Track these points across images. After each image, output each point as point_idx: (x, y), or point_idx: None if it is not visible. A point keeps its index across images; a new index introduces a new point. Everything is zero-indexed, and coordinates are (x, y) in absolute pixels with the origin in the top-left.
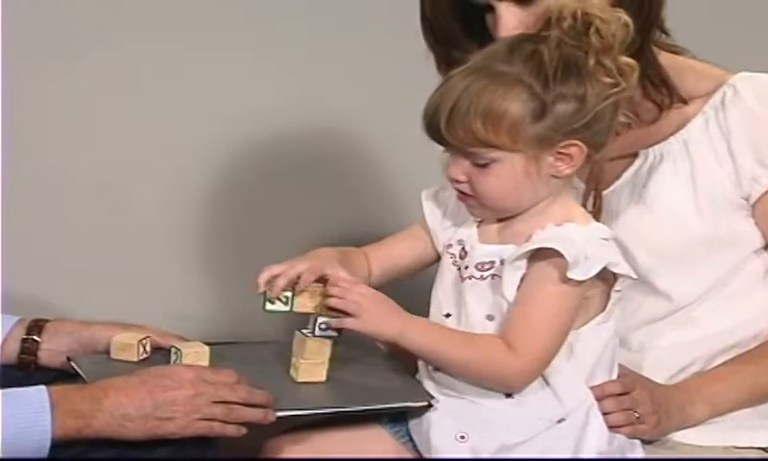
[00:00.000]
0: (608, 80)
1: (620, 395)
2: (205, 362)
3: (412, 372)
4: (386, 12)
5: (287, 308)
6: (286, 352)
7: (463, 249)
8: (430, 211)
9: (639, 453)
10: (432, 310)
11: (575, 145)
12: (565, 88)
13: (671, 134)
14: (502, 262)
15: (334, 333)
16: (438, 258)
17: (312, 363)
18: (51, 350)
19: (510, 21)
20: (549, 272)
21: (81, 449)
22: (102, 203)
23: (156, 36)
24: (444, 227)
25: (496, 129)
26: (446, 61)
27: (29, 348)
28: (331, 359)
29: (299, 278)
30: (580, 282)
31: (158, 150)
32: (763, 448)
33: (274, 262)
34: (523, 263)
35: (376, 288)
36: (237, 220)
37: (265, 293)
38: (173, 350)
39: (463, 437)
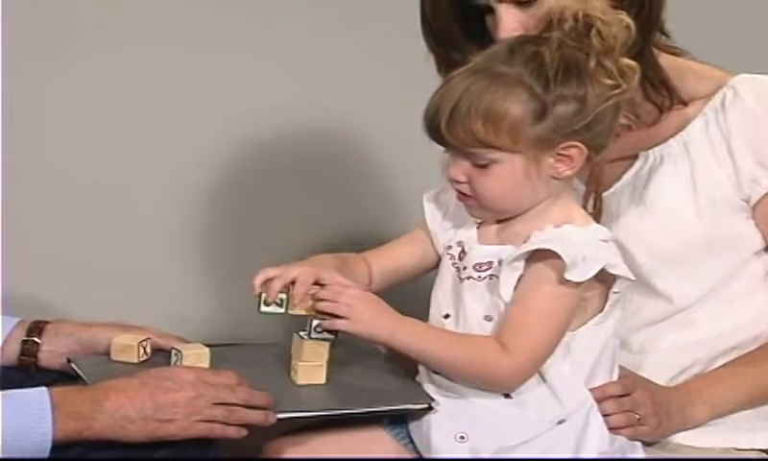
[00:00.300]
0: (608, 81)
1: (621, 396)
2: (206, 364)
3: (412, 374)
4: (386, 12)
5: (282, 310)
6: (286, 354)
7: (462, 250)
8: (431, 213)
9: (640, 455)
10: (432, 312)
11: (575, 146)
12: (566, 90)
13: (671, 136)
14: (500, 263)
15: (330, 335)
16: (439, 261)
17: (310, 365)
18: (51, 351)
19: (510, 23)
20: (546, 273)
21: (81, 451)
22: (102, 203)
23: (157, 36)
24: (444, 228)
25: (497, 129)
26: (447, 63)
27: (29, 349)
28: (331, 361)
29: (293, 281)
30: (577, 284)
31: (158, 150)
32: (764, 450)
33: (273, 264)
34: (521, 264)
35: (380, 293)
36: (237, 220)
37: (260, 295)
38: (173, 351)
39: (463, 438)
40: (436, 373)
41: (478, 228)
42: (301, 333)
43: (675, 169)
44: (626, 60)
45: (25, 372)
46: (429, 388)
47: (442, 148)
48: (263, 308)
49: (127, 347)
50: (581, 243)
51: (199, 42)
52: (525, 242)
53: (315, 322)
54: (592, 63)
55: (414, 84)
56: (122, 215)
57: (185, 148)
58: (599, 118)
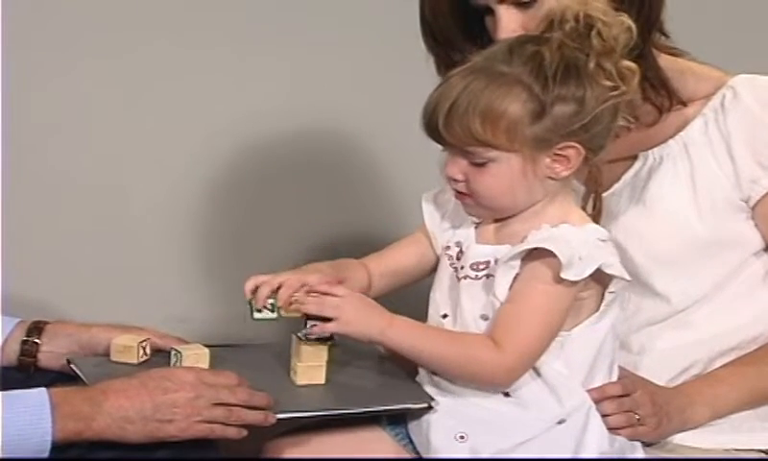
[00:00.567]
0: (608, 83)
1: (621, 396)
2: (205, 364)
3: (412, 374)
4: (386, 13)
5: (274, 315)
6: (286, 355)
7: (460, 250)
8: (429, 214)
9: (640, 455)
10: (430, 312)
11: (572, 147)
12: (565, 90)
13: (671, 137)
14: (497, 262)
15: (324, 336)
16: (439, 262)
17: (309, 366)
18: (51, 352)
19: (509, 24)
20: (542, 271)
21: (81, 451)
22: (102, 203)
23: (156, 37)
24: (442, 229)
25: (495, 128)
26: (446, 64)
27: (29, 350)
28: (331, 362)
29: (280, 286)
30: (573, 283)
31: (158, 150)
32: (763, 451)
33: (273, 264)
34: (517, 263)
35: (381, 297)
36: (237, 221)
37: (250, 302)
38: (173, 352)
39: (462, 437)
40: (435, 373)
41: (476, 228)
42: (299, 334)
43: (674, 170)
44: (626, 63)
45: (25, 372)
46: (429, 388)
47: (440, 149)
48: (256, 315)
49: (126, 347)
50: (577, 242)
51: (199, 43)
52: (522, 241)
53: (308, 323)
54: (592, 64)
55: (413, 85)
56: (122, 215)
57: (185, 148)
58: (597, 119)
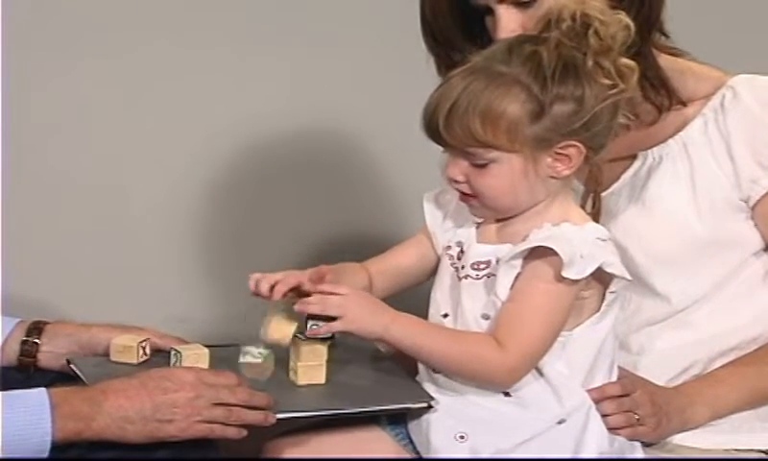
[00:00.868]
0: (606, 81)
1: (620, 397)
2: (205, 364)
3: (412, 373)
4: (386, 13)
5: (260, 354)
6: (285, 355)
7: (461, 249)
8: (431, 214)
9: (639, 455)
10: (431, 311)
11: (573, 146)
12: (563, 89)
13: (670, 136)
14: (498, 262)
15: (326, 336)
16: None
17: (309, 365)
18: (51, 352)
19: (509, 23)
20: (544, 270)
21: (81, 452)
22: (102, 203)
23: (157, 37)
24: (444, 229)
25: (495, 129)
26: (446, 64)
27: (29, 350)
28: (331, 361)
29: (277, 282)
30: (574, 282)
31: (158, 150)
32: (763, 451)
33: (272, 264)
34: (519, 262)
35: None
36: (237, 221)
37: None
38: (172, 352)
39: (462, 437)
40: (436, 372)
41: (477, 227)
42: (299, 335)
43: (674, 169)
44: (625, 60)
45: (25, 372)
46: (429, 387)
47: (441, 150)
48: (241, 359)
49: (126, 347)
50: (579, 241)
51: (199, 43)
52: (523, 241)
53: (309, 323)
54: (590, 63)
55: (414, 86)
56: (122, 215)
57: (185, 148)
58: (597, 118)
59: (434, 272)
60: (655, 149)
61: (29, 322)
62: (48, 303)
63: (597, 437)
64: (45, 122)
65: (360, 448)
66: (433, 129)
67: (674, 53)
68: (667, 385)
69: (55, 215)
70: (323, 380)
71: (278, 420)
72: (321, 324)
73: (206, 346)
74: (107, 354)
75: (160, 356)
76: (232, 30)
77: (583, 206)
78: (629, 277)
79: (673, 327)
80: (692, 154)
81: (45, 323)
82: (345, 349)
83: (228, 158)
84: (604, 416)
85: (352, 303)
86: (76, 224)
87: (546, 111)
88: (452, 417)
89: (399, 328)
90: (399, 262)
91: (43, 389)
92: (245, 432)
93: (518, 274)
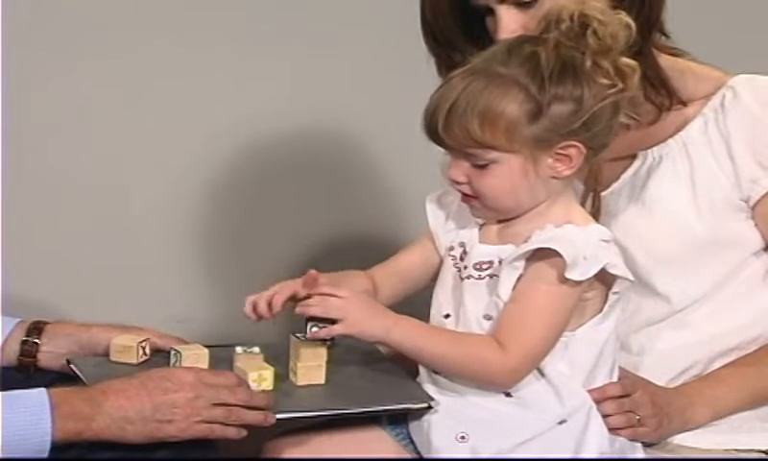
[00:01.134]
0: (605, 81)
1: (621, 397)
2: (205, 364)
3: (412, 374)
4: (387, 13)
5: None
6: (285, 355)
7: (464, 250)
8: (433, 215)
9: (640, 455)
10: (432, 312)
11: (573, 146)
12: (562, 90)
13: (670, 136)
14: (500, 262)
15: (326, 337)
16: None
17: (309, 366)
18: (51, 352)
19: (510, 24)
20: (547, 271)
21: (81, 452)
22: (102, 203)
23: (156, 37)
24: (446, 230)
25: (493, 129)
26: (447, 65)
27: (29, 350)
28: (330, 362)
29: (275, 294)
30: (577, 283)
31: (158, 150)
32: (763, 451)
33: (272, 264)
34: (521, 263)
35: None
36: (237, 221)
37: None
38: (172, 352)
39: (463, 437)
40: (436, 372)
41: (480, 228)
42: (298, 335)
43: (674, 169)
44: (625, 60)
45: (25, 372)
46: (430, 388)
47: (442, 151)
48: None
49: (126, 347)
50: (582, 243)
51: (199, 43)
52: (526, 242)
53: (310, 324)
54: (588, 63)
55: (414, 86)
56: (122, 215)
57: (185, 148)
58: (597, 117)
59: (437, 275)
60: (655, 149)
61: (29, 322)
62: (48, 303)
63: (598, 437)
64: (45, 122)
65: (360, 449)
66: (433, 130)
67: (674, 53)
68: (667, 386)
69: (55, 215)
70: (322, 381)
71: (278, 420)
72: (321, 326)
73: (206, 346)
74: (107, 354)
75: (160, 356)
76: (232, 30)
77: (582, 206)
78: (632, 278)
79: (673, 327)
80: (692, 153)
81: (45, 323)
82: (345, 349)
83: (228, 158)
84: (605, 416)
85: (353, 305)
86: (76, 224)
87: (545, 112)
88: (453, 417)
89: (400, 331)
90: (404, 266)
91: (43, 389)
92: (245, 432)
93: (521, 275)
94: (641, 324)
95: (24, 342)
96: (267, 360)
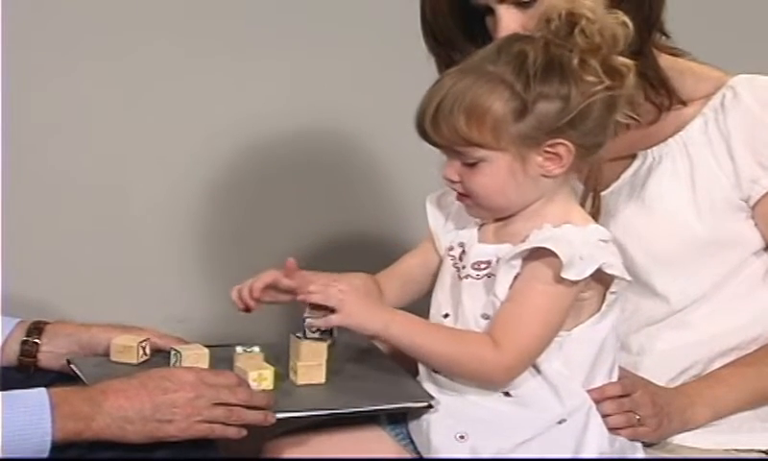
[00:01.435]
0: (592, 79)
1: (621, 397)
2: (205, 364)
3: (412, 373)
4: (387, 13)
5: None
6: (285, 355)
7: (463, 250)
8: (433, 215)
9: (640, 455)
10: (432, 312)
11: (562, 144)
12: (547, 88)
13: (670, 136)
14: (498, 261)
15: (325, 334)
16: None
17: (309, 365)
18: (51, 352)
19: (509, 24)
20: (543, 271)
21: (81, 452)
22: (102, 203)
23: (157, 38)
24: (446, 230)
25: (480, 127)
26: (447, 64)
27: (29, 350)
28: (330, 361)
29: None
30: (573, 283)
31: (158, 150)
32: (763, 451)
33: (272, 264)
34: (518, 263)
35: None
36: (237, 221)
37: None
38: (172, 352)
39: (462, 437)
40: (436, 372)
41: (479, 228)
42: (298, 334)
43: (674, 169)
44: (621, 59)
45: (25, 372)
46: (429, 387)
47: (440, 151)
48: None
49: (126, 347)
50: (579, 242)
51: (198, 44)
52: (523, 241)
53: (307, 321)
54: (575, 61)
55: (414, 86)
56: (122, 215)
57: (185, 148)
58: (585, 115)
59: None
60: (655, 148)
61: (29, 322)
62: (48, 303)
63: (598, 437)
64: (45, 122)
65: (360, 448)
66: (422, 128)
67: (674, 53)
68: (667, 386)
69: (55, 215)
70: (322, 380)
71: (278, 420)
72: (318, 321)
73: (206, 346)
74: (107, 354)
75: (160, 356)
76: (232, 30)
77: (582, 205)
78: (629, 278)
79: (673, 327)
80: (692, 153)
81: (45, 323)
82: (344, 348)
83: (228, 158)
84: (604, 416)
85: (353, 297)
86: (76, 224)
87: (530, 109)
88: (452, 417)
89: (398, 327)
90: (407, 269)
91: (43, 389)
92: (245, 432)
93: (518, 274)
94: (641, 324)
95: (24, 342)
96: (267, 360)
